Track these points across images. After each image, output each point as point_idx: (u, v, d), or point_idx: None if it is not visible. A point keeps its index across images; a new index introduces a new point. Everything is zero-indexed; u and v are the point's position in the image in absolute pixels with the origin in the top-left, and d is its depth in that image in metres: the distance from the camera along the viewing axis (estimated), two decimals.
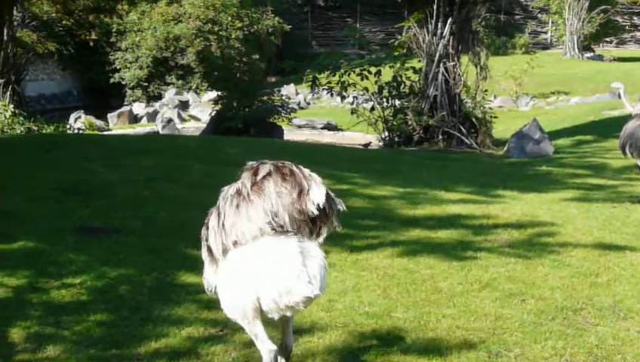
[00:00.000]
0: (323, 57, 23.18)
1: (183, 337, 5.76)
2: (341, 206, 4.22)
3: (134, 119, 34.56)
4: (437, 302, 6.62)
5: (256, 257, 3.91)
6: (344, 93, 21.04)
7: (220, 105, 23.86)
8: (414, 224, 9.38)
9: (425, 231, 9.06)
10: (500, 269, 7.57)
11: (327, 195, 3.99)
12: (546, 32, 54.05)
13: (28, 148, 14.33)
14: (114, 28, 41.51)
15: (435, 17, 19.92)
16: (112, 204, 9.83)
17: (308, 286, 3.81)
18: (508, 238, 8.75)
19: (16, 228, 8.31)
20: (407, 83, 20.78)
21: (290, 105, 25.26)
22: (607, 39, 52.64)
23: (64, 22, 41.41)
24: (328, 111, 32.89)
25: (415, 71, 20.80)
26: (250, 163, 4.16)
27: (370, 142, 23.28)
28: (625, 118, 16.64)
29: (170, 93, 38.68)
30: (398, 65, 20.94)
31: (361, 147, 22.28)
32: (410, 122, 20.15)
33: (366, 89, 20.71)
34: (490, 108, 22.06)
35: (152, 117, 33.81)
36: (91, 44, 42.10)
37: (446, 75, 19.96)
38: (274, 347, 4.23)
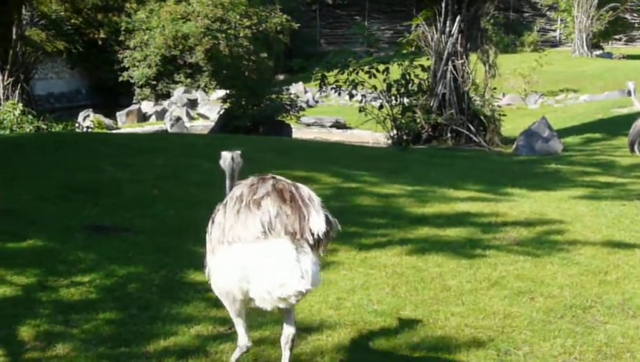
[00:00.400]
0: (331, 56, 23.16)
1: (191, 335, 5.77)
2: (337, 226, 4.41)
3: (143, 118, 34.62)
4: (445, 300, 6.62)
5: (252, 252, 4.10)
6: (353, 92, 21.02)
7: (228, 104, 23.88)
8: (423, 222, 9.38)
9: (433, 229, 9.05)
10: (508, 267, 7.56)
11: (327, 221, 4.18)
12: (554, 30, 53.94)
13: (37, 146, 14.36)
14: (122, 26, 41.56)
15: (443, 15, 19.92)
16: (120, 202, 9.85)
17: (300, 280, 3.99)
18: (517, 236, 8.73)
19: (25, 227, 8.33)
20: (416, 81, 20.75)
21: (298, 104, 25.26)
22: (617, 37, 52.55)
23: (73, 20, 41.47)
24: (337, 110, 32.88)
25: (424, 69, 20.77)
26: (251, 177, 4.37)
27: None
28: (634, 116, 16.65)
29: (178, 92, 38.72)
30: (406, 63, 20.89)
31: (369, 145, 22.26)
32: (418, 120, 20.14)
33: (374, 87, 20.69)
34: (499, 106, 22.05)
35: (160, 115, 33.87)
36: (100, 42, 42.17)
37: (455, 73, 19.95)
38: (249, 343, 4.57)
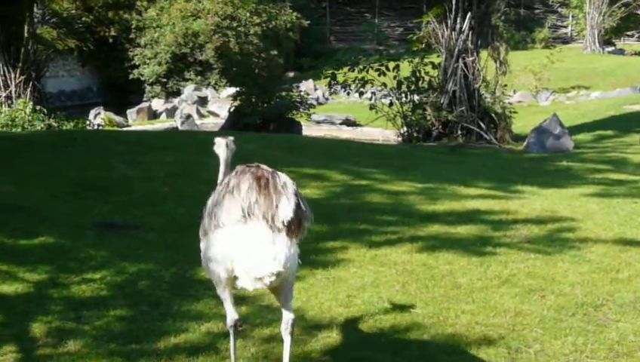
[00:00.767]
0: (341, 53, 23.15)
1: (202, 332, 5.79)
2: (311, 218, 4.60)
3: (153, 115, 34.70)
4: (456, 298, 6.61)
5: (234, 236, 4.35)
6: (362, 90, 21.01)
7: (238, 101, 23.89)
8: (433, 219, 9.37)
9: (444, 226, 9.05)
10: (519, 265, 7.55)
11: (297, 209, 4.35)
12: (566, 26, 53.77)
13: (48, 144, 14.39)
14: (133, 24, 41.61)
15: (454, 12, 19.86)
16: (131, 200, 9.87)
17: (272, 262, 4.20)
18: (527, 234, 8.72)
19: (37, 224, 8.36)
20: (426, 78, 20.73)
21: (308, 101, 25.24)
22: (629, 33, 52.30)
23: (84, 18, 41.55)
24: (347, 107, 32.85)
25: (434, 66, 20.74)
26: (238, 166, 4.58)
27: None
28: None
29: (188, 89, 38.75)
30: (416, 60, 20.88)
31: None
32: (429, 117, 20.11)
33: (384, 84, 20.68)
34: (510, 103, 22.00)
35: (170, 113, 33.93)
36: (110, 40, 42.23)
37: (465, 70, 19.90)
38: (236, 316, 4.74)
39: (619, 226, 9.08)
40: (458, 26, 19.92)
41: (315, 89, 36.96)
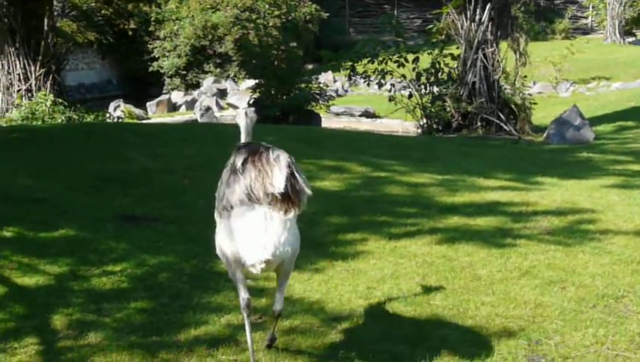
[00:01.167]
0: (360, 45, 23.10)
1: (222, 324, 5.80)
2: (308, 190, 4.60)
3: (173, 108, 34.76)
4: (476, 290, 6.60)
5: (235, 221, 4.57)
6: (382, 81, 20.99)
7: (257, 93, 23.92)
8: (453, 211, 9.35)
9: (464, 218, 9.03)
10: (539, 256, 7.52)
11: (291, 180, 4.45)
12: (586, 17, 53.40)
13: (68, 137, 14.46)
14: (152, 17, 41.69)
15: (473, 3, 19.80)
16: (151, 192, 9.90)
17: (262, 250, 4.44)
18: (547, 225, 8.69)
19: (57, 217, 8.40)
20: (446, 70, 20.70)
21: (327, 93, 25.24)
22: None
23: (103, 11, 41.63)
24: (366, 99, 32.80)
25: (453, 57, 20.69)
26: (237, 145, 4.81)
27: None
28: None
29: (208, 82, 38.81)
30: (436, 51, 20.84)
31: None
32: (448, 109, 20.07)
33: (404, 76, 20.64)
34: (530, 95, 21.88)
35: (190, 105, 33.98)
36: (130, 33, 42.30)
37: (485, 61, 19.84)
38: (248, 295, 4.86)
39: (639, 217, 9.04)
40: (478, 17, 19.86)
41: (335, 81, 36.92)
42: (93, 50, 41.45)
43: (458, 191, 10.55)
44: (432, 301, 6.34)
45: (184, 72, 40.72)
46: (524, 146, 17.44)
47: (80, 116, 19.58)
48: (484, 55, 19.84)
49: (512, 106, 20.30)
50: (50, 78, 21.12)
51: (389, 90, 21.47)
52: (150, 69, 40.95)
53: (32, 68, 21.00)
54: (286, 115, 21.98)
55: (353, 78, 21.82)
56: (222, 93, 36.56)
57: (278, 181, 4.41)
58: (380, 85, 21.41)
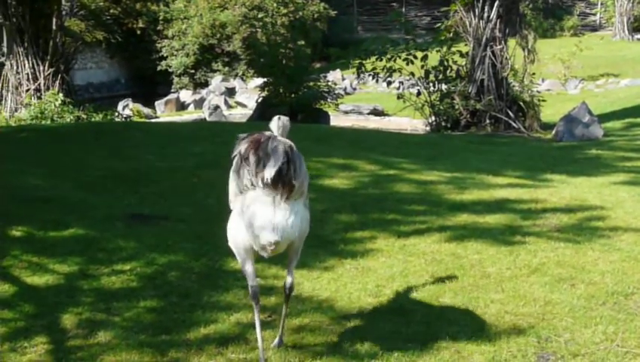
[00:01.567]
0: (369, 43, 23.08)
1: (231, 323, 5.80)
2: (305, 178, 4.85)
3: (181, 106, 34.82)
4: (485, 287, 6.59)
5: (245, 206, 4.78)
6: (390, 79, 20.97)
7: (266, 92, 23.91)
8: (462, 209, 9.34)
9: (473, 216, 9.02)
10: (549, 254, 7.51)
11: (279, 173, 4.61)
12: (594, 14, 53.30)
13: (77, 136, 14.50)
14: (161, 16, 41.80)
15: (482, 0, 19.75)
16: (160, 191, 9.92)
17: (272, 232, 4.67)
18: (557, 223, 8.67)
19: (66, 216, 8.42)
20: (454, 67, 20.65)
21: (336, 91, 25.22)
22: None
23: (112, 10, 41.77)
24: (374, 97, 32.81)
25: (462, 55, 20.65)
26: (241, 135, 4.91)
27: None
28: None
29: (216, 80, 38.87)
30: (444, 49, 20.82)
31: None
32: (457, 106, 20.03)
33: (412, 74, 20.61)
34: (538, 92, 21.81)
35: (198, 104, 34.04)
36: (138, 32, 42.44)
37: (493, 58, 19.80)
38: (256, 284, 5.07)
39: None
40: (486, 14, 19.80)
41: (343, 79, 36.96)
42: (101, 49, 41.60)
43: (467, 188, 10.54)
44: (441, 299, 6.33)
45: (192, 71, 40.82)
46: (532, 143, 17.40)
47: (89, 115, 19.64)
48: (493, 52, 19.80)
49: (521, 104, 20.25)
50: (59, 77, 21.19)
51: (398, 88, 21.45)
52: (158, 67, 41.07)
53: (41, 67, 21.07)
54: (294, 114, 21.94)
55: (362, 75, 21.80)
56: (230, 92, 36.62)
57: (268, 171, 4.60)
58: (389, 83, 21.39)
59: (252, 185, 4.71)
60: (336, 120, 25.46)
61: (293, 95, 22.91)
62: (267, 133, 4.87)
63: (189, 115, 31.60)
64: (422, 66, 20.49)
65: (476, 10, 19.91)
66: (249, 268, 5.04)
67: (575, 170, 12.29)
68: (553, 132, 18.41)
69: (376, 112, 29.31)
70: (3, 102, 21.49)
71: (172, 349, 5.34)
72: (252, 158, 4.69)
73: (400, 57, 20.74)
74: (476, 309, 6.09)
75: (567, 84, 32.56)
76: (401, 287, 6.61)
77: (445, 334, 5.57)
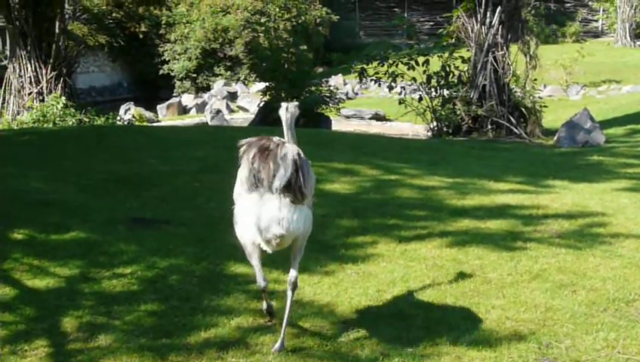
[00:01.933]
0: (371, 48, 23.09)
1: (232, 327, 5.80)
2: (312, 185, 5.25)
3: (183, 110, 34.84)
4: (486, 293, 6.59)
5: (251, 203, 5.10)
6: (392, 84, 20.98)
7: (268, 96, 23.92)
8: (463, 214, 9.34)
9: (474, 221, 9.01)
10: (550, 260, 7.51)
11: (295, 179, 5.00)
12: (597, 20, 53.29)
13: (79, 139, 14.50)
14: (163, 20, 41.84)
15: (484, 6, 19.78)
16: (162, 194, 9.92)
17: (278, 226, 5.02)
18: (558, 229, 8.67)
19: (68, 219, 8.42)
20: (456, 73, 20.66)
21: (338, 96, 25.23)
22: None
23: (114, 14, 41.83)
24: (376, 102, 32.81)
25: (464, 60, 20.66)
26: (247, 140, 5.27)
27: None
28: None
29: (218, 85, 38.91)
30: (446, 54, 20.84)
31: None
32: (458, 112, 20.05)
33: (414, 79, 20.62)
34: (540, 98, 21.86)
35: (200, 108, 34.07)
36: (141, 36, 42.48)
37: (495, 64, 19.82)
38: (265, 282, 5.45)
39: None
40: (488, 20, 19.83)
41: (345, 84, 36.98)
42: (104, 53, 41.64)
43: (468, 194, 10.54)
44: (442, 304, 6.33)
45: (194, 75, 40.87)
46: (534, 149, 17.40)
47: (91, 119, 19.65)
48: (495, 58, 19.82)
49: (523, 109, 20.27)
50: (62, 80, 21.25)
51: (400, 93, 21.45)
52: (161, 71, 41.11)
53: (44, 71, 21.13)
54: (296, 119, 21.96)
55: (364, 80, 21.81)
56: (232, 96, 36.66)
57: (279, 180, 4.96)
58: (391, 88, 21.42)
59: (260, 187, 5.03)
60: (338, 125, 25.46)
61: (295, 99, 22.90)
62: (275, 139, 5.20)
63: (191, 119, 31.64)
64: (424, 72, 20.49)
65: (478, 16, 19.94)
66: (256, 262, 5.35)
67: (577, 176, 12.28)
68: (555, 138, 18.41)
69: (377, 117, 29.31)
70: (5, 105, 21.55)
71: (172, 353, 5.34)
72: (262, 167, 5.02)
73: (402, 62, 20.74)
74: (477, 315, 6.09)
75: (569, 90, 32.54)
76: (402, 292, 6.61)
77: (446, 339, 5.57)
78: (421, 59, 20.54)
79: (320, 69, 42.29)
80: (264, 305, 5.82)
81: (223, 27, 39.99)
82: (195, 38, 40.28)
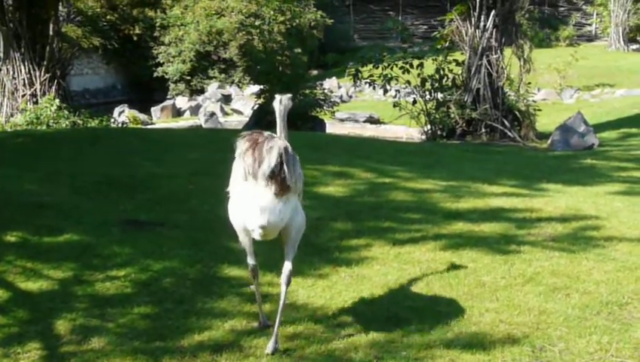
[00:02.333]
0: (365, 51, 23.09)
1: (226, 330, 5.80)
2: (299, 178, 5.35)
3: (177, 113, 34.78)
4: (480, 296, 6.60)
5: (240, 192, 5.32)
6: (387, 87, 20.98)
7: (262, 99, 23.88)
8: (457, 217, 9.34)
9: (468, 224, 9.02)
10: (543, 263, 7.52)
11: (273, 171, 5.10)
12: (590, 24, 53.39)
13: (73, 141, 14.47)
14: (157, 22, 41.78)
15: (478, 10, 19.82)
16: (156, 197, 9.90)
17: (260, 217, 5.16)
18: (552, 232, 8.68)
19: (61, 221, 8.40)
20: (450, 76, 20.67)
21: (332, 99, 25.22)
22: None
23: (108, 17, 41.74)
24: (370, 105, 32.81)
25: (458, 64, 20.69)
26: (243, 134, 5.39)
27: None
28: None
29: (212, 87, 38.87)
30: (440, 58, 20.84)
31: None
32: (452, 115, 20.07)
33: (408, 82, 20.63)
34: (534, 101, 21.90)
35: (194, 111, 34.01)
36: (135, 38, 42.41)
37: (489, 67, 19.85)
38: (253, 262, 5.62)
39: None
40: (482, 23, 19.88)
41: (339, 87, 36.99)
42: (98, 55, 41.56)
43: (462, 197, 10.54)
44: (436, 307, 6.34)
45: (189, 78, 40.83)
46: (528, 153, 17.42)
47: (84, 121, 19.62)
48: (489, 61, 19.85)
49: (517, 113, 20.32)
50: (55, 82, 21.20)
51: (394, 96, 21.46)
52: (155, 74, 41.04)
53: (37, 73, 21.08)
54: (290, 121, 21.95)
55: (358, 83, 21.80)
56: (226, 99, 36.61)
57: (263, 168, 5.09)
58: (385, 91, 21.40)
59: (248, 178, 5.14)
60: (332, 128, 25.46)
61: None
62: (266, 133, 5.34)
63: (185, 122, 31.59)
64: (418, 75, 20.50)
65: (472, 20, 19.98)
66: (248, 246, 5.54)
67: (570, 179, 12.30)
68: (549, 141, 18.45)
69: (372, 120, 29.30)
70: None
71: (166, 356, 5.34)
72: (250, 157, 5.11)
73: (396, 65, 20.74)
74: (471, 318, 6.09)
75: (563, 94, 32.57)
76: (396, 295, 6.61)
77: (440, 342, 5.57)
78: (415, 62, 20.55)
79: (314, 72, 42.29)
80: (260, 318, 5.93)
81: (217, 30, 39.95)
82: (189, 41, 40.23)
